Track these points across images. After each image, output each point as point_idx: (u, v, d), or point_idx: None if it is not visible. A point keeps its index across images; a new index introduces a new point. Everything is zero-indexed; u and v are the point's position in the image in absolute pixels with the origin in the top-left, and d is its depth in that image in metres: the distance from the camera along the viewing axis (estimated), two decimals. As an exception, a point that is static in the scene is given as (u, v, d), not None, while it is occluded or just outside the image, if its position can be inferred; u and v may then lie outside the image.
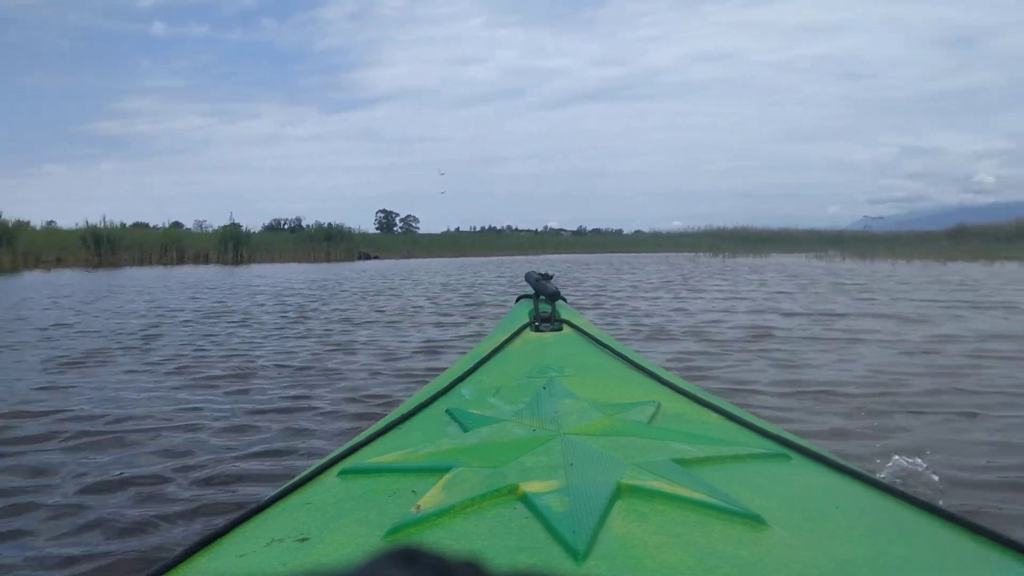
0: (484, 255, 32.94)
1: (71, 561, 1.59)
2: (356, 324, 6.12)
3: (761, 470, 0.78)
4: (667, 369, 1.45)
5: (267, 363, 4.18)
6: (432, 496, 0.66)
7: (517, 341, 1.45)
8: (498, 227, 60.37)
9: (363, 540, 0.61)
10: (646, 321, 6.08)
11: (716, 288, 9.99)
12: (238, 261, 25.68)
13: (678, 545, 0.55)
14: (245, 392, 3.42)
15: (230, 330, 5.77)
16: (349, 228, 33.14)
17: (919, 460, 1.99)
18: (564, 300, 1.69)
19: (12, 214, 23.91)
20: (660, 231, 47.46)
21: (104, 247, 24.17)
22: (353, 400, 3.19)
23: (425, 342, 5.05)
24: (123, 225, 27.41)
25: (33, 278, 14.54)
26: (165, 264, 23.00)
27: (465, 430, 0.93)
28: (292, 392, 3.37)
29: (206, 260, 25.81)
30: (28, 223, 24.95)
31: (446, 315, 6.82)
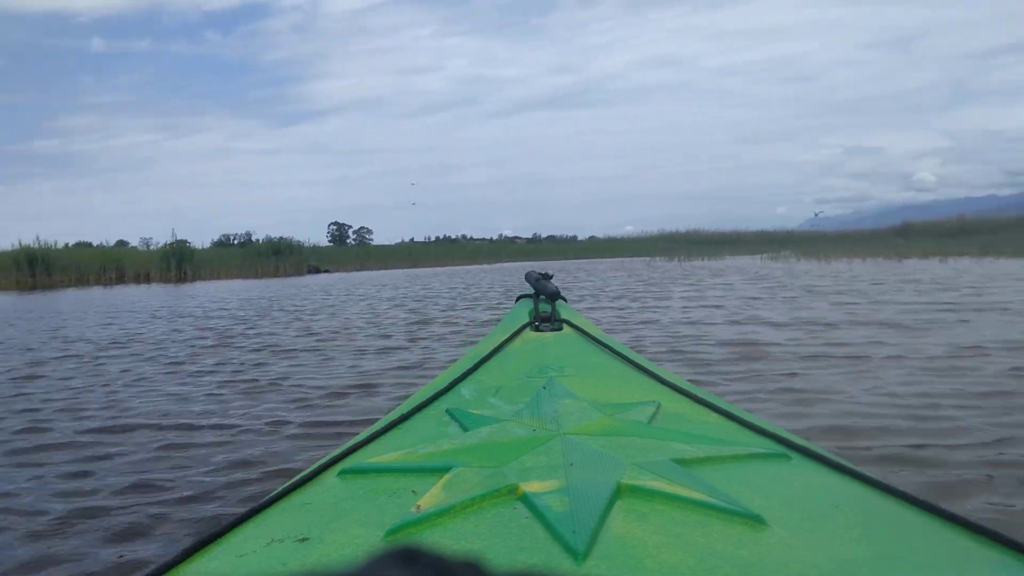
0: (439, 265, 31.95)
1: None
2: (278, 353, 5.15)
3: (761, 470, 0.76)
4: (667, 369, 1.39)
5: (137, 418, 3.20)
6: (432, 496, 0.65)
7: (517, 341, 1.42)
8: (453, 236, 59.53)
9: (363, 540, 0.60)
10: (615, 338, 5.23)
11: (682, 295, 9.22)
12: (181, 279, 24.68)
13: (678, 545, 0.55)
14: (82, 474, 2.45)
15: (125, 366, 4.76)
16: (299, 242, 32.13)
17: None
18: (564, 300, 1.63)
19: (-57, 237, 22.59)
20: (614, 236, 47.10)
21: (39, 268, 23.11)
22: (211, 496, 2.19)
23: (357, 375, 4.12)
24: (67, 245, 26.18)
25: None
26: (104, 284, 21.65)
27: (465, 430, 0.91)
28: (137, 476, 2.42)
29: (147, 279, 24.97)
30: (-41, 246, 23.56)
31: (386, 336, 5.89)
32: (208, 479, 2.30)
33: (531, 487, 0.65)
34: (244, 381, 4.03)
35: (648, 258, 29.60)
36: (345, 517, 0.66)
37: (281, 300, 11.24)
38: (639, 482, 0.66)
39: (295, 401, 3.44)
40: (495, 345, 1.39)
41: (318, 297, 11.63)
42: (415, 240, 53.58)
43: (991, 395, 3.02)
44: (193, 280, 23.85)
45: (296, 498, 0.77)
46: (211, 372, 4.39)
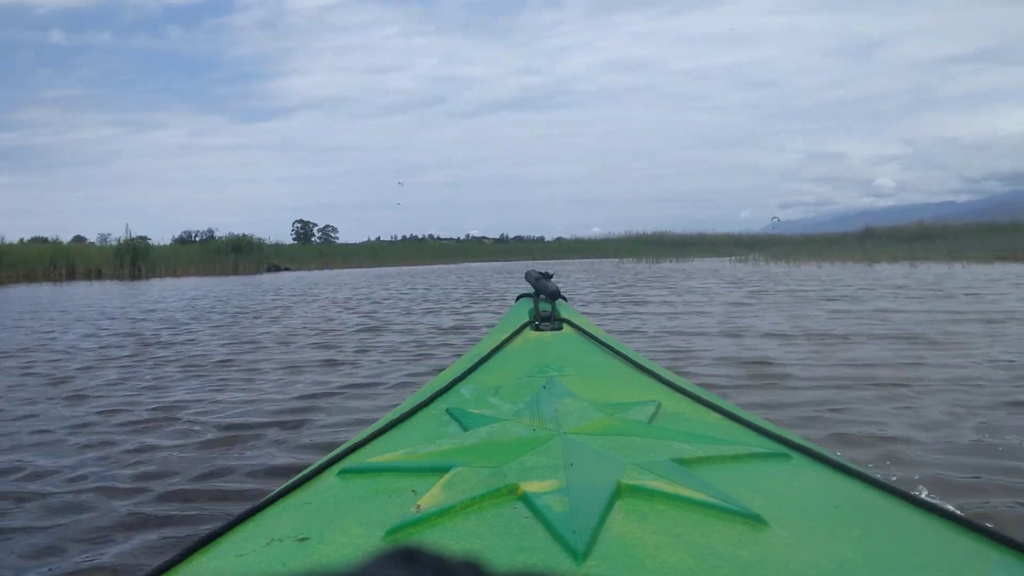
0: (404, 265, 30.91)
1: None
2: (192, 369, 4.21)
3: (761, 470, 0.75)
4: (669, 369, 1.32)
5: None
6: (432, 496, 0.64)
7: (517, 340, 1.38)
8: (420, 236, 58.49)
9: (363, 540, 0.59)
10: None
11: (661, 299, 8.43)
12: (136, 276, 23.60)
13: (678, 545, 0.54)
14: None
15: (-4, 384, 3.79)
16: (259, 239, 30.97)
17: None
18: (564, 299, 1.58)
19: None
20: (582, 237, 46.46)
21: (-16, 264, 21.75)
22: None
23: (280, 404, 3.21)
24: (21, 240, 24.93)
25: None
26: (54, 281, 20.48)
27: (465, 429, 0.89)
28: None
29: (99, 276, 23.67)
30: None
31: (331, 347, 4.98)
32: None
33: (531, 487, 0.64)
34: (127, 409, 3.10)
35: (617, 259, 28.95)
36: (345, 517, 0.65)
37: (228, 300, 10.22)
38: (639, 482, 0.64)
39: (171, 449, 2.52)
40: (495, 345, 1.35)
41: (268, 298, 10.62)
42: (381, 239, 52.45)
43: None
44: (148, 277, 22.81)
45: (296, 498, 0.75)
46: (95, 396, 3.44)
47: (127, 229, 27.23)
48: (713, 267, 19.77)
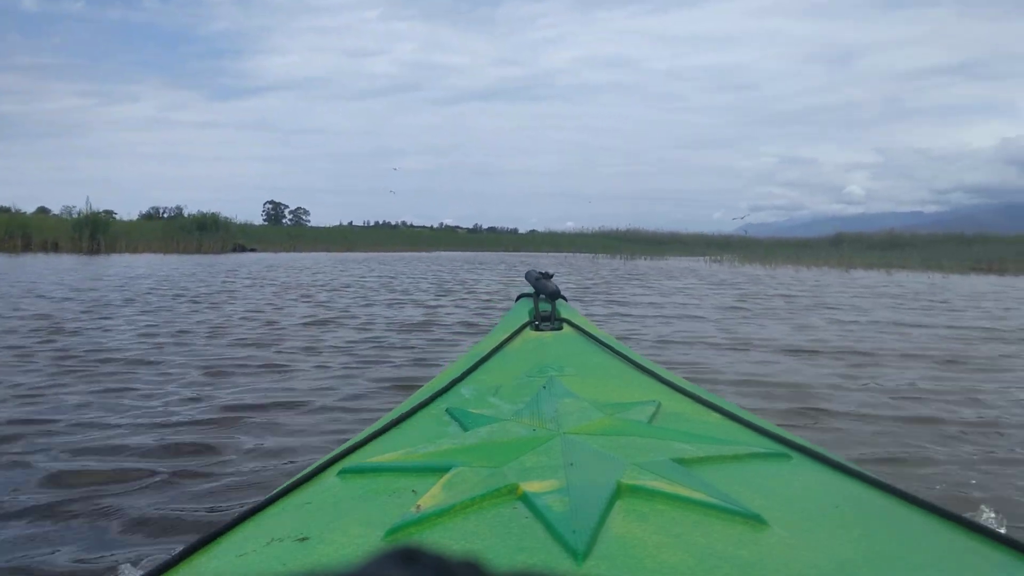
0: (374, 251, 29.86)
1: None
2: (83, 369, 3.32)
3: (761, 470, 0.74)
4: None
5: None
6: (432, 496, 0.63)
7: (517, 340, 1.36)
8: (393, 223, 57.39)
9: (363, 540, 0.58)
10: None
11: (648, 301, 7.67)
12: (95, 251, 22.50)
13: (678, 545, 0.54)
14: None
15: None
16: (226, 218, 29.78)
17: None
18: (565, 299, 1.55)
19: None
20: (555, 231, 45.70)
21: (-64, 232, 20.73)
22: None
23: (151, 454, 2.37)
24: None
25: None
26: (10, 252, 19.43)
27: (465, 429, 0.88)
28: None
29: (56, 249, 22.65)
30: None
31: (269, 344, 4.13)
32: None
33: (531, 487, 0.63)
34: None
35: (591, 255, 28.25)
36: (345, 517, 0.64)
37: (176, 281, 9.25)
38: (639, 482, 0.63)
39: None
40: (495, 344, 1.32)
41: (218, 280, 9.65)
42: (353, 224, 51.22)
43: None
44: (108, 253, 21.77)
45: (296, 498, 0.74)
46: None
47: (87, 202, 25.94)
48: (689, 266, 19.14)
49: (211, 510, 1.67)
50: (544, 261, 21.20)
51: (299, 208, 63.23)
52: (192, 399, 2.73)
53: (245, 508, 0.72)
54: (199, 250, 25.07)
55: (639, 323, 5.38)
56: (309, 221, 59.77)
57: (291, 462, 2.01)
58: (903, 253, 23.50)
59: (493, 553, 0.53)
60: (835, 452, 0.85)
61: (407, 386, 2.85)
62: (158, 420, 2.42)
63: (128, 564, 1.35)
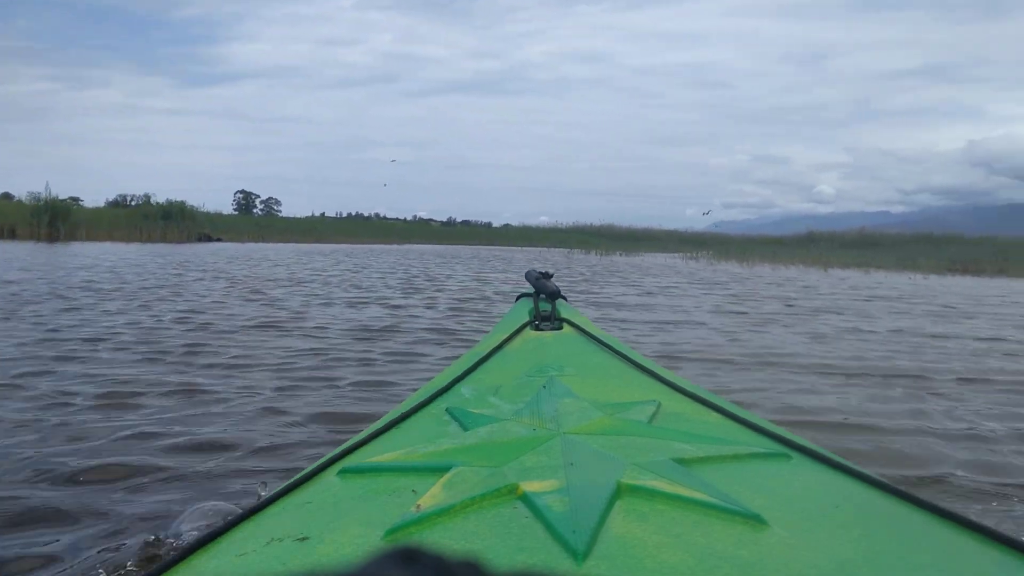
0: (345, 242, 28.84)
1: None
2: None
3: (761, 470, 0.73)
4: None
5: None
6: (432, 496, 0.62)
7: (517, 340, 1.33)
8: (367, 214, 56.25)
9: (363, 540, 0.57)
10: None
11: (636, 302, 6.95)
12: (54, 238, 21.42)
13: (678, 545, 0.53)
14: None
15: None
16: (192, 207, 28.64)
17: None
18: (565, 299, 1.53)
19: None
20: (529, 225, 44.93)
21: None
22: None
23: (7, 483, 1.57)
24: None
25: None
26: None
27: (465, 429, 0.85)
28: None
29: (13, 235, 21.53)
30: None
31: (200, 351, 3.32)
32: None
33: (531, 487, 0.62)
34: None
35: (566, 250, 27.55)
36: (345, 517, 0.63)
37: (121, 272, 8.33)
38: (639, 482, 0.63)
39: None
40: (495, 344, 1.30)
41: (167, 272, 8.73)
42: (326, 215, 50.00)
43: None
44: (68, 240, 20.72)
45: (296, 497, 0.72)
46: None
47: (47, 187, 24.72)
48: (667, 263, 18.52)
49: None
50: (519, 256, 20.47)
51: (271, 198, 61.65)
52: (57, 446, 1.94)
53: (245, 508, 0.69)
54: (164, 239, 24.07)
55: (634, 330, 4.65)
56: (281, 211, 58.31)
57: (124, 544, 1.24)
58: (877, 253, 23.19)
59: (493, 553, 0.52)
60: (835, 452, 0.81)
61: (345, 431, 2.09)
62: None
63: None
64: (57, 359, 3.14)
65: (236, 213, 47.91)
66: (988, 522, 0.61)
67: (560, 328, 1.38)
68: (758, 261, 20.29)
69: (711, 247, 27.76)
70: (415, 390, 1.28)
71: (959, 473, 1.96)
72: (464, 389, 1.07)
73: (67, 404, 2.39)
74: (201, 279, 7.85)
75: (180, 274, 8.43)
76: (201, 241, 24.72)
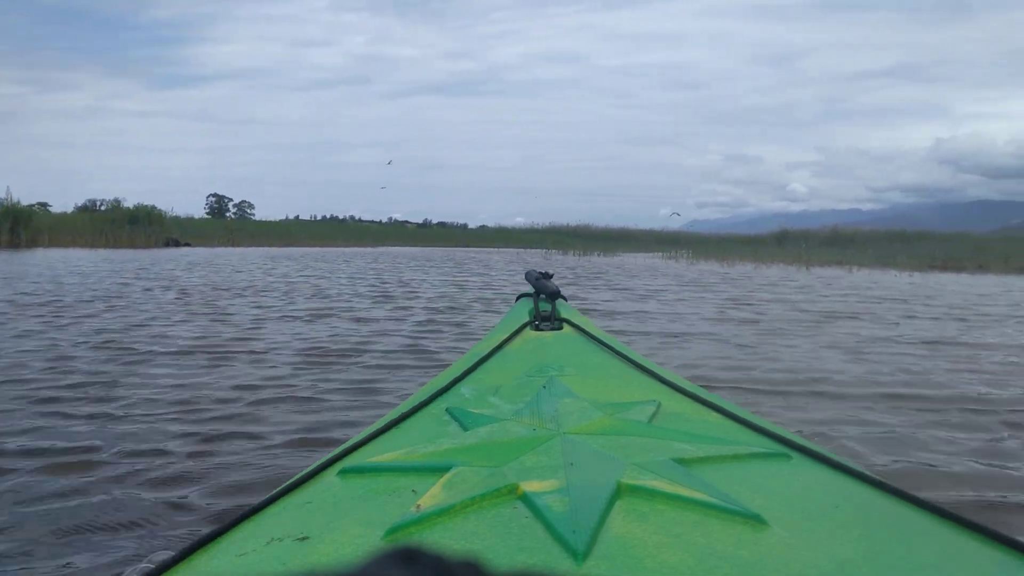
0: (318, 246, 27.87)
1: None
2: None
3: (761, 470, 0.72)
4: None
5: None
6: (432, 496, 0.61)
7: (517, 340, 1.31)
8: (341, 217, 55.14)
9: (363, 540, 0.57)
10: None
11: (631, 309, 6.25)
12: (16, 245, 20.36)
13: (678, 545, 0.53)
14: None
15: None
16: (160, 211, 27.58)
17: None
18: (564, 299, 1.50)
19: None
20: (505, 226, 44.16)
21: None
22: None
23: None
24: None
25: None
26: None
27: (465, 429, 0.84)
28: None
29: None
30: None
31: (99, 400, 2.54)
32: None
33: (531, 487, 0.61)
34: None
35: (544, 250, 26.84)
36: (345, 517, 0.62)
37: (66, 282, 7.45)
38: (639, 482, 0.62)
39: None
40: (495, 344, 1.28)
41: (115, 282, 7.84)
42: (300, 218, 48.85)
43: None
44: (31, 247, 19.73)
45: (296, 497, 0.71)
46: None
47: (7, 192, 23.50)
48: (647, 264, 17.89)
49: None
50: (496, 258, 19.73)
51: (244, 201, 60.25)
52: None
53: (245, 508, 0.68)
54: (132, 245, 22.98)
55: (639, 344, 3.93)
56: (254, 215, 57.00)
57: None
58: (853, 250, 22.84)
59: (493, 553, 0.52)
60: (835, 452, 0.79)
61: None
62: None
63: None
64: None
65: (209, 217, 46.59)
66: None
67: (560, 328, 1.37)
68: (737, 260, 19.78)
69: (688, 246, 27.26)
70: (411, 393, 1.22)
71: None
72: (464, 389, 1.06)
73: None
74: (150, 289, 7.01)
75: (127, 284, 7.56)
76: (169, 246, 23.68)
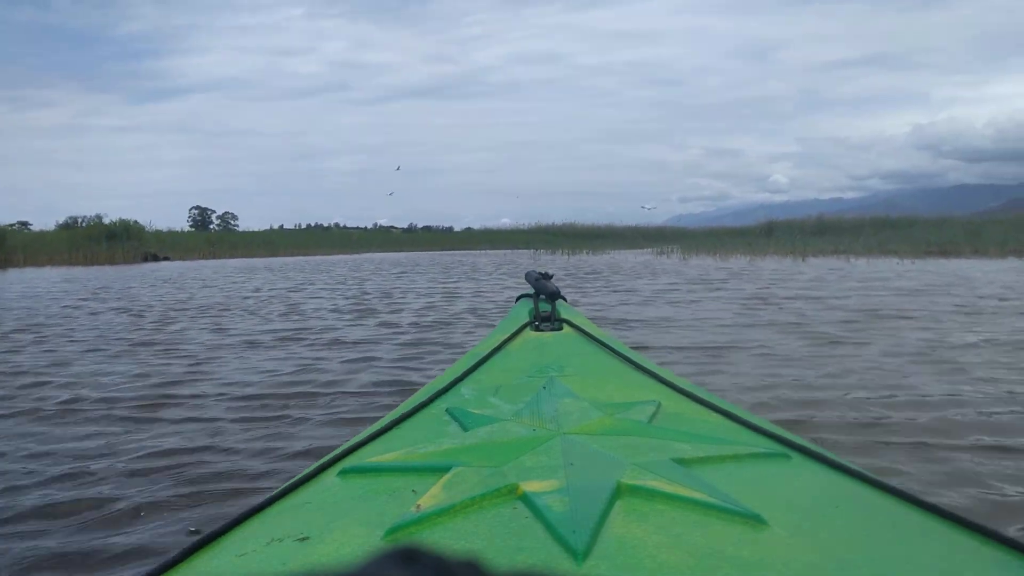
0: (302, 255, 26.91)
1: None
2: None
3: (761, 470, 0.71)
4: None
5: None
6: (432, 496, 0.61)
7: (517, 340, 1.30)
8: (326, 224, 54.04)
9: (363, 540, 0.56)
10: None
11: (641, 316, 5.46)
12: None
13: (678, 545, 0.52)
14: None
15: None
16: (140, 225, 26.64)
17: None
18: (564, 299, 1.49)
19: None
20: (491, 228, 43.32)
21: None
22: None
23: None
24: None
25: None
26: None
27: (465, 429, 0.83)
28: None
29: None
30: None
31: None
32: None
33: (531, 487, 0.61)
34: None
35: (532, 251, 26.04)
36: (345, 517, 0.62)
37: (12, 306, 6.57)
38: (639, 482, 0.62)
39: None
40: (495, 345, 1.27)
41: (67, 304, 6.95)
42: (284, 227, 47.75)
43: None
44: (4, 267, 18.86)
45: (296, 498, 0.70)
46: None
47: (-21, 210, 22.47)
48: (639, 261, 17.14)
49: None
50: (483, 260, 18.93)
51: (227, 213, 59.00)
52: None
53: (245, 508, 0.67)
54: (111, 261, 22.08)
55: (682, 362, 3.14)
56: (238, 226, 55.81)
57: None
58: (842, 239, 22.25)
59: (493, 553, 0.52)
60: (835, 452, 0.78)
61: None
62: None
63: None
64: None
65: (192, 230, 45.44)
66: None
67: (560, 328, 1.35)
68: (730, 253, 19.09)
69: (676, 241, 26.58)
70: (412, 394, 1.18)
71: None
72: (464, 389, 1.05)
73: None
74: (100, 312, 6.14)
75: (78, 307, 6.67)
76: (147, 261, 22.69)
